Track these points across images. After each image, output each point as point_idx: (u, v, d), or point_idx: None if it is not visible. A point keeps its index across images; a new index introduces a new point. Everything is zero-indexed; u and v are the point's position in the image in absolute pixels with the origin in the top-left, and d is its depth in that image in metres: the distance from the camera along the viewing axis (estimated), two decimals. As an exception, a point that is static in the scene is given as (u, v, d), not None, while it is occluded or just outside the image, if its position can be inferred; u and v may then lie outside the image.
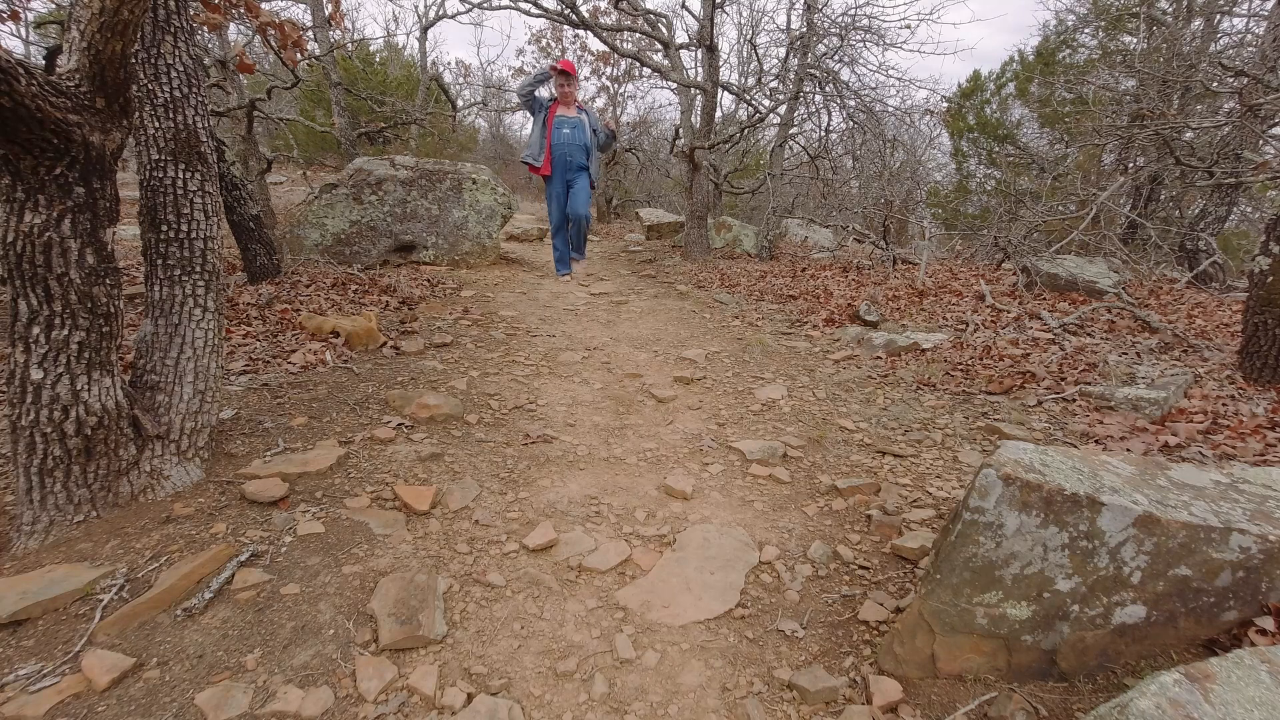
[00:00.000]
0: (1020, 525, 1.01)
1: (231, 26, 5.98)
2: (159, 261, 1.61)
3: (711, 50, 5.96)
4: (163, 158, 1.59)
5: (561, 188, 5.08)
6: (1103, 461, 1.13)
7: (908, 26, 8.71)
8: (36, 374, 1.30)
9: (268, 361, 2.50)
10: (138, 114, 1.56)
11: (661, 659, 1.19)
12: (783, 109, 6.69)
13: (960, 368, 2.79)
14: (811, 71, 6.32)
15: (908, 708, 1.06)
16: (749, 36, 9.01)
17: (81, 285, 1.32)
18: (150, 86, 1.56)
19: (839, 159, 7.80)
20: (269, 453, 1.80)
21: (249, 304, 3.15)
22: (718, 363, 2.97)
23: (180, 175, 1.61)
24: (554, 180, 5.05)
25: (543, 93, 5.10)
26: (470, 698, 1.08)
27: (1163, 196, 6.25)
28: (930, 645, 1.09)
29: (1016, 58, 9.69)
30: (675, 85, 7.12)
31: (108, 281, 1.38)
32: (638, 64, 8.62)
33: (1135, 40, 6.76)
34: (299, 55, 3.12)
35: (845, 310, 3.90)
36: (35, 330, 1.30)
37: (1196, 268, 4.77)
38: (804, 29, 6.36)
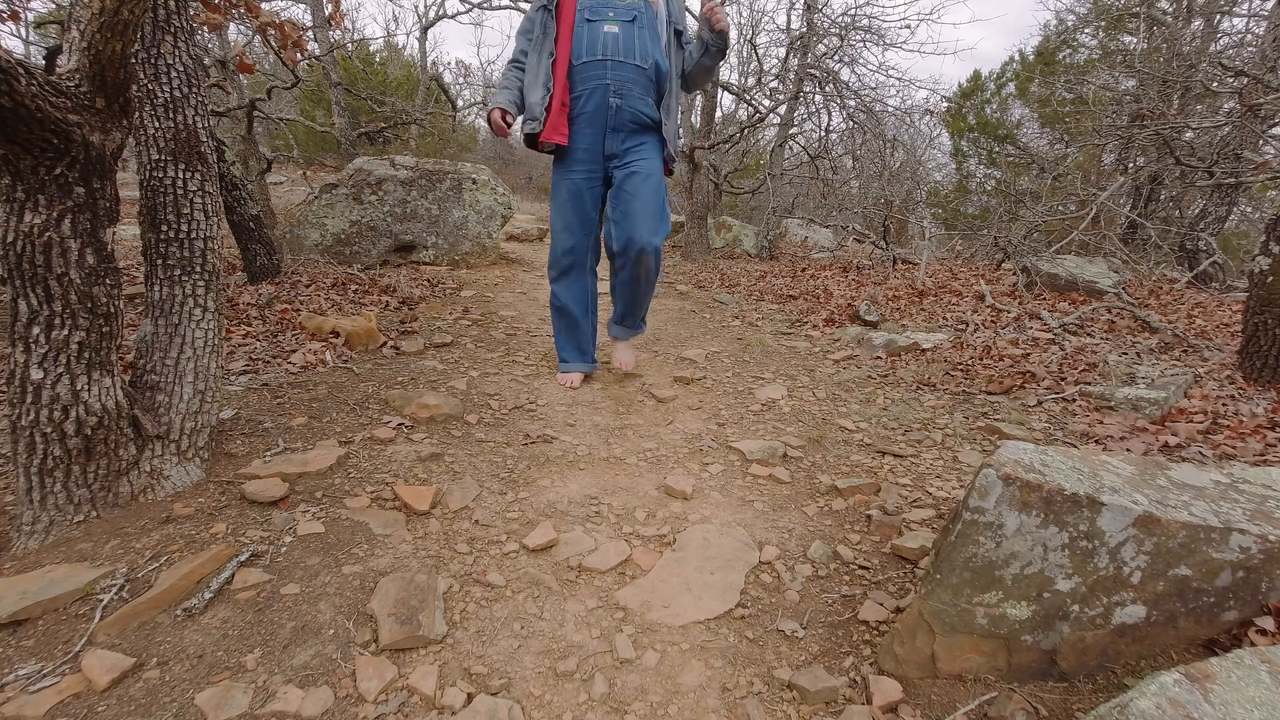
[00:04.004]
0: (1020, 525, 1.01)
1: (231, 26, 5.98)
2: (159, 261, 1.61)
3: (711, 50, 5.94)
4: (163, 158, 1.59)
5: (591, 175, 2.30)
6: (1103, 461, 1.13)
7: (908, 26, 8.73)
8: (36, 374, 1.30)
9: (268, 361, 2.50)
10: (138, 114, 1.56)
11: (661, 659, 1.19)
12: (783, 109, 6.69)
13: (960, 368, 2.79)
14: (811, 71, 6.33)
15: (908, 708, 1.06)
16: (749, 36, 9.02)
17: (81, 285, 1.32)
18: (150, 86, 1.56)
19: (839, 159, 7.80)
20: (269, 453, 1.80)
21: (249, 304, 3.15)
22: (718, 363, 2.97)
23: (180, 175, 1.60)
24: (574, 157, 2.28)
25: None
26: (470, 698, 1.08)
27: (1163, 196, 6.25)
28: (930, 645, 1.09)
29: (1017, 58, 9.70)
30: (675, 85, 7.09)
31: (108, 281, 1.38)
32: (638, 64, 8.59)
33: (1135, 40, 6.76)
34: (299, 55, 3.12)
35: (845, 310, 3.90)
36: (35, 330, 1.30)
37: (1196, 268, 4.77)
38: (804, 29, 6.36)
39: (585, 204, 2.36)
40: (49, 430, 1.33)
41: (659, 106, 2.32)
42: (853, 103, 6.41)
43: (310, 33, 7.48)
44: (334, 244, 4.46)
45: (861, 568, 1.47)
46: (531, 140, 2.33)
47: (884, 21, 8.69)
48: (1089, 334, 3.25)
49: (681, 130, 8.12)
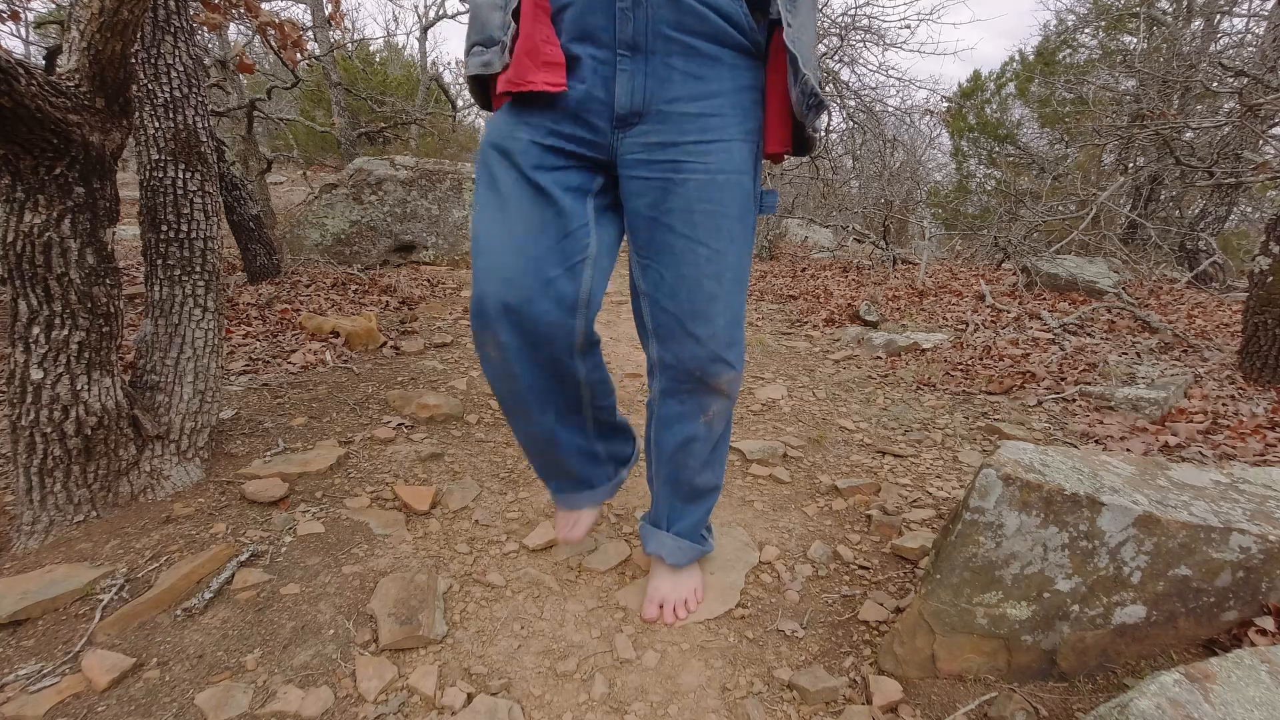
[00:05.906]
0: (1020, 525, 1.01)
1: (231, 26, 5.98)
2: (159, 261, 1.61)
3: (711, 50, 5.94)
4: (163, 158, 1.59)
5: (565, 146, 0.91)
6: (1103, 461, 1.13)
7: (907, 27, 8.74)
8: (36, 374, 1.30)
9: (268, 361, 2.50)
10: (138, 114, 1.56)
11: (661, 659, 1.19)
12: (783, 109, 6.68)
13: (960, 368, 2.79)
14: (811, 71, 6.32)
15: (908, 708, 1.06)
16: (749, 36, 8.99)
17: (81, 285, 1.32)
18: (150, 86, 1.56)
19: (839, 159, 7.80)
20: (269, 453, 1.80)
21: (249, 304, 3.15)
22: (718, 363, 2.97)
23: (180, 175, 1.61)
24: (540, 103, 0.88)
25: None
26: (470, 698, 1.08)
27: (1163, 196, 6.26)
28: (930, 645, 1.09)
29: (1017, 58, 9.70)
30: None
31: (108, 281, 1.38)
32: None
33: (1135, 40, 6.76)
34: (299, 55, 3.12)
35: (845, 310, 3.90)
36: (35, 330, 1.30)
37: (1196, 268, 4.78)
38: (804, 29, 6.35)
39: (547, 207, 0.94)
40: (49, 430, 1.33)
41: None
42: (853, 103, 6.41)
43: (310, 33, 7.48)
44: (334, 244, 4.46)
45: (861, 568, 1.47)
46: (483, 91, 1.03)
47: (884, 22, 8.70)
48: (1089, 334, 3.25)
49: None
